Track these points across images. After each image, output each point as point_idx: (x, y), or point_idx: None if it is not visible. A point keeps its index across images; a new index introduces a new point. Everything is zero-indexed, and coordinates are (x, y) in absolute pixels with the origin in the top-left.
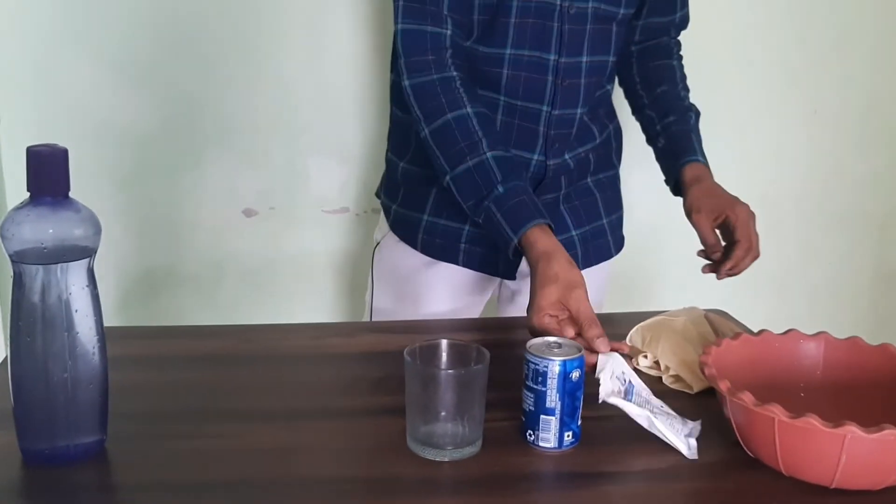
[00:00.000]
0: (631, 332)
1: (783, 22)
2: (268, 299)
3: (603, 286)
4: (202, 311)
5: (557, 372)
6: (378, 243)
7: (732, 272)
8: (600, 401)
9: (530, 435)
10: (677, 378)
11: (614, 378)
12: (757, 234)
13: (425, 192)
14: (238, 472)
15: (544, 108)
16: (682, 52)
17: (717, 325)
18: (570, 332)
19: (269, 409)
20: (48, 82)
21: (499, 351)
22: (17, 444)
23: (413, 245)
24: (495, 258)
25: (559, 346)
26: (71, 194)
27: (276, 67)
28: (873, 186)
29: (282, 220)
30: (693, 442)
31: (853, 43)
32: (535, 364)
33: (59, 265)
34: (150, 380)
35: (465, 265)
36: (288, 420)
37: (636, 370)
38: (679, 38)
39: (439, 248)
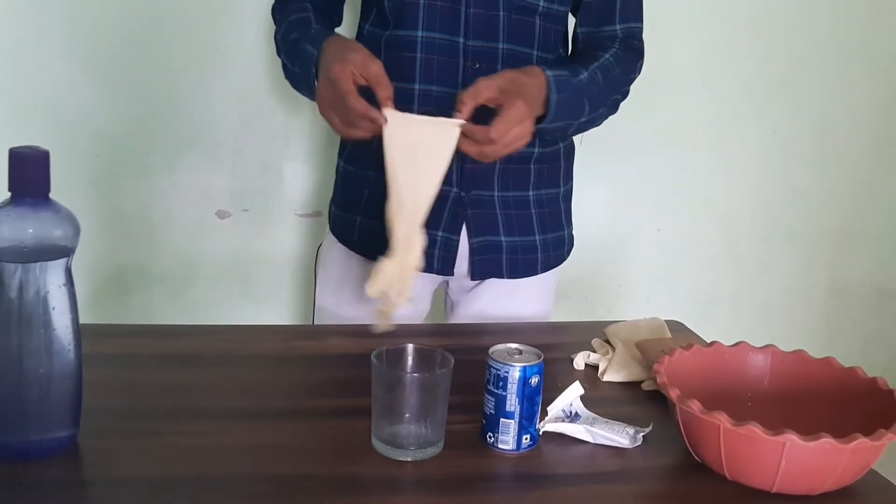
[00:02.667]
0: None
1: (743, 46)
2: (239, 301)
3: (546, 296)
4: (172, 310)
5: (517, 377)
6: (321, 244)
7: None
8: (540, 432)
9: (490, 437)
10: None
11: (559, 410)
12: (511, 137)
13: (359, 192)
14: (207, 468)
15: (458, 92)
16: (622, 54)
17: (648, 354)
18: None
19: (238, 409)
20: (21, 80)
21: (462, 356)
22: None
23: (349, 246)
24: (430, 254)
25: (520, 352)
26: None
27: (251, 69)
28: (827, 205)
29: (255, 223)
30: (638, 436)
31: (810, 67)
32: (497, 369)
33: (38, 264)
34: (121, 377)
35: None
36: (256, 419)
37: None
38: (628, 51)
39: (373, 247)
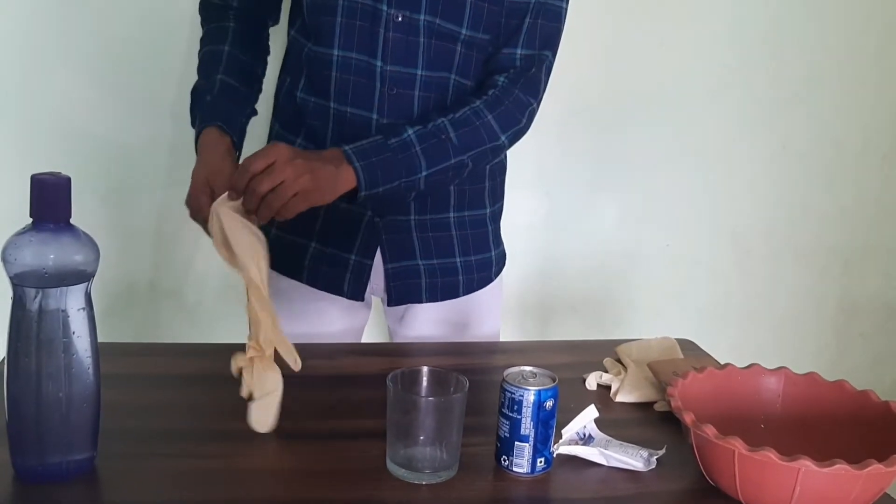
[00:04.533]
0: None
1: (754, 61)
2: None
3: (481, 314)
4: (182, 325)
5: (532, 401)
6: None
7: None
8: (554, 455)
9: (504, 460)
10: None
11: (572, 433)
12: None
13: None
14: (223, 492)
15: (373, 115)
16: (503, 96)
17: (660, 375)
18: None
19: (251, 431)
20: (31, 94)
21: (474, 376)
22: (9, 460)
23: None
24: (341, 277)
25: (534, 375)
26: None
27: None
28: (839, 221)
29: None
30: (652, 459)
31: (821, 82)
32: (512, 393)
33: (59, 289)
34: (136, 397)
35: (309, 283)
36: (271, 441)
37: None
38: (518, 81)
39: (284, 264)
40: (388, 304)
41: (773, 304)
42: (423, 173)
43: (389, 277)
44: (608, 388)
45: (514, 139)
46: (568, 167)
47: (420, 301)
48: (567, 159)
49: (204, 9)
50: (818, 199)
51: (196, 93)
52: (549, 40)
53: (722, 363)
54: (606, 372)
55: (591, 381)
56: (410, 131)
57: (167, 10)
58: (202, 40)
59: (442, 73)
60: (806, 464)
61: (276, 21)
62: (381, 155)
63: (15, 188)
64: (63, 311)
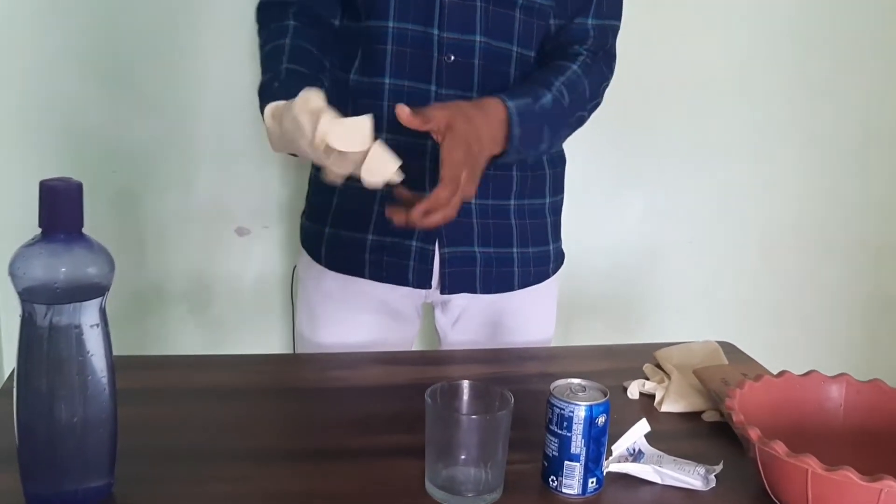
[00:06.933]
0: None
1: (783, 51)
2: (261, 322)
3: (535, 315)
4: (192, 332)
5: (583, 417)
6: (296, 265)
7: (427, 222)
8: (604, 472)
9: (553, 481)
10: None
11: (623, 450)
12: (468, 172)
13: (328, 200)
14: None
15: (432, 87)
16: (592, 64)
17: (708, 383)
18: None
19: (279, 449)
20: (34, 97)
21: (510, 385)
22: (21, 488)
23: (318, 260)
24: (405, 266)
25: (584, 388)
26: None
27: None
28: (870, 215)
29: (276, 240)
30: (711, 477)
31: (851, 73)
32: (560, 409)
33: (71, 304)
34: (153, 415)
35: (372, 278)
36: (299, 461)
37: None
38: (598, 53)
39: (343, 261)
40: (441, 292)
41: (802, 300)
42: (544, 145)
43: (444, 263)
44: (650, 396)
45: (591, 113)
46: (589, 162)
47: (474, 290)
48: (588, 154)
49: (262, 11)
50: (848, 190)
51: (262, 87)
52: (617, 8)
53: (761, 364)
54: (647, 379)
55: (634, 390)
56: (548, 95)
57: (178, 11)
58: (262, 42)
59: (502, 44)
60: (890, 484)
61: (339, 20)
62: (529, 124)
63: (18, 193)
64: (77, 328)
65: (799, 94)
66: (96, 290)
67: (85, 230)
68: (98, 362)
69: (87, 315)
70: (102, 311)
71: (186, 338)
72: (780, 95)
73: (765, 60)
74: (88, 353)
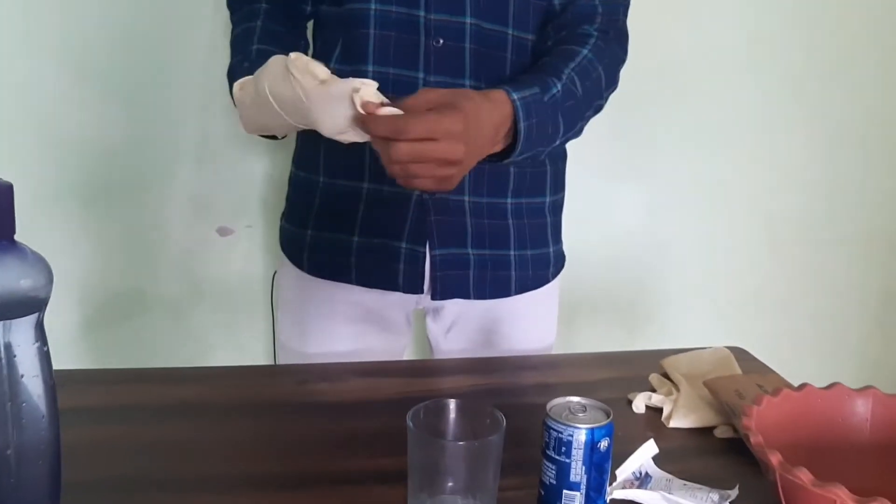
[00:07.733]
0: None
1: (791, 38)
2: (245, 324)
3: (536, 322)
4: (173, 337)
5: (583, 441)
6: (276, 270)
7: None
8: (608, 500)
9: None
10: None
11: (628, 474)
12: (435, 131)
13: (309, 200)
14: None
15: (419, 74)
16: (605, 47)
17: (720, 395)
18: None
19: (251, 475)
20: (10, 93)
21: (503, 399)
22: None
23: (299, 266)
24: (394, 269)
25: (584, 408)
26: (33, 210)
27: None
28: (881, 204)
29: (259, 239)
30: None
31: (861, 56)
32: (558, 432)
33: (2, 323)
34: (110, 437)
35: (359, 283)
36: (274, 488)
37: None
38: (609, 33)
39: (327, 266)
40: (433, 298)
41: (812, 294)
42: (559, 140)
43: (436, 266)
44: (657, 409)
45: (607, 98)
46: (587, 152)
47: (467, 295)
48: (586, 143)
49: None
50: (859, 181)
51: (231, 69)
52: None
53: (776, 371)
54: (654, 391)
55: (639, 403)
56: (558, 84)
57: (155, 8)
58: (234, 26)
59: (496, 26)
60: None
61: (310, 8)
62: (539, 117)
63: None
64: (8, 349)
65: (807, 83)
66: (32, 304)
67: (63, 232)
68: (35, 386)
69: (22, 333)
70: (40, 328)
71: (169, 341)
72: (787, 85)
73: (771, 43)
74: (23, 376)
